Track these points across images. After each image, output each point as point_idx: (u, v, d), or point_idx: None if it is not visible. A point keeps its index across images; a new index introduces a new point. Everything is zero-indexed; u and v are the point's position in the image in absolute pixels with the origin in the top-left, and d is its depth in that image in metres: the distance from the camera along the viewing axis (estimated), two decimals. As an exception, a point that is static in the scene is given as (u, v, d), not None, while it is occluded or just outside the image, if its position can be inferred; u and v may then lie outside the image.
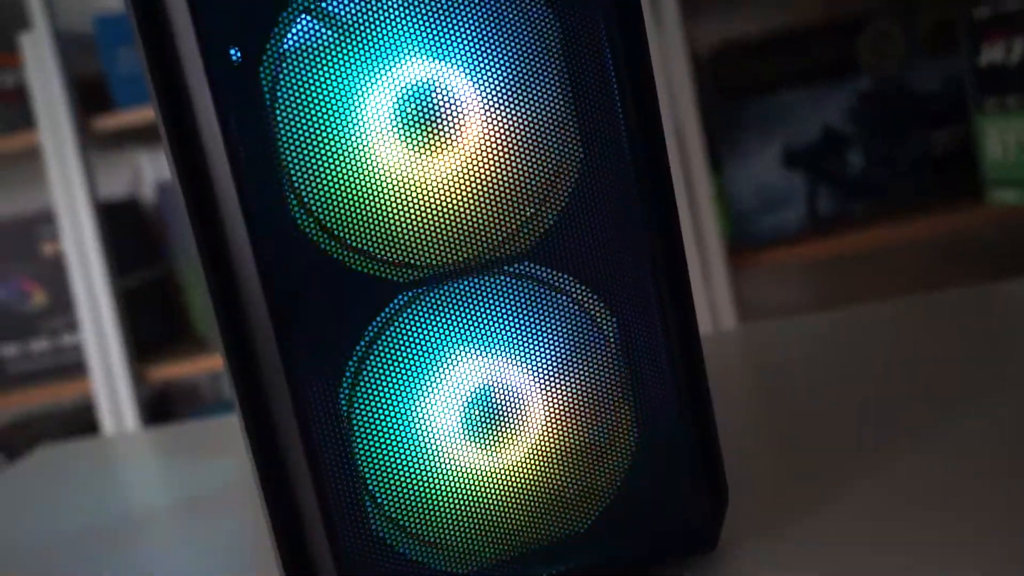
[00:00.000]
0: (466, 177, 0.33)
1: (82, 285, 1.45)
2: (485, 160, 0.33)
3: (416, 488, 0.33)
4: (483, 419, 0.34)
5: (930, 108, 1.36)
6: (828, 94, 1.35)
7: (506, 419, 0.34)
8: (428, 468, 0.33)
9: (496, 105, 0.33)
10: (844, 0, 1.51)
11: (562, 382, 0.34)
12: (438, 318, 0.33)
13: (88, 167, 1.43)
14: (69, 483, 0.72)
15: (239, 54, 0.31)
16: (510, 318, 0.34)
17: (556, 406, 0.34)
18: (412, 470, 0.33)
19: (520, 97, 0.33)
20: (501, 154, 0.33)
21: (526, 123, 0.33)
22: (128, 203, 1.62)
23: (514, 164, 0.33)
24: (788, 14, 1.51)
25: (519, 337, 0.34)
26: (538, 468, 0.35)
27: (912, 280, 1.53)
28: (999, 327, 0.61)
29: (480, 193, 0.33)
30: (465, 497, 0.34)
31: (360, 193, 0.32)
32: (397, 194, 0.32)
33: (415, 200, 0.32)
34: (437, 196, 0.32)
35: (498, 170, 0.33)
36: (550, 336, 0.34)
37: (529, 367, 0.34)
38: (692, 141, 1.32)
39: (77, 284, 1.45)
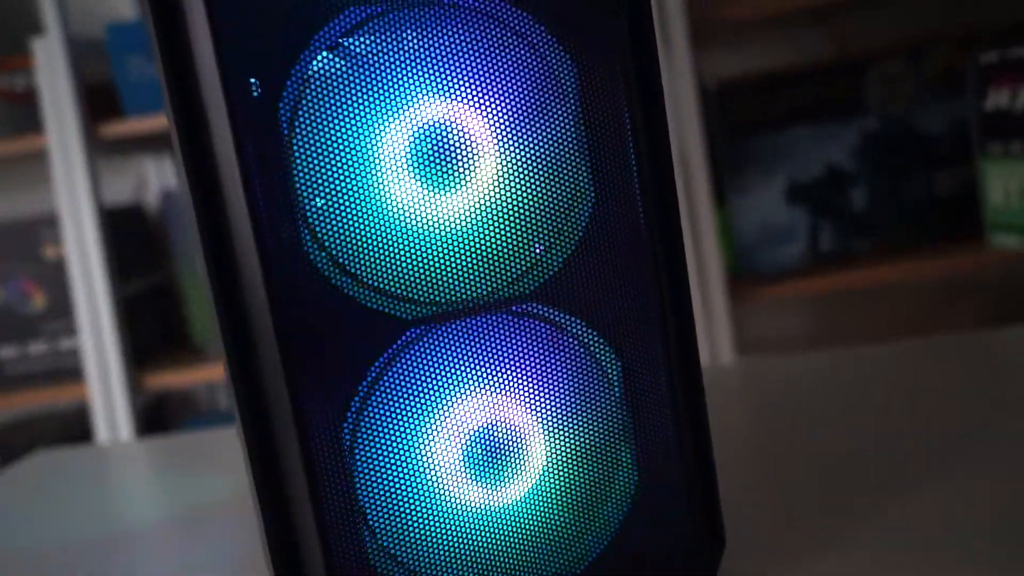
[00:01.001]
0: (478, 216, 0.33)
1: (82, 289, 1.45)
2: (497, 200, 0.33)
3: (414, 523, 0.33)
4: (484, 457, 0.34)
5: (934, 149, 1.37)
6: (834, 131, 1.35)
7: (507, 458, 0.34)
8: (427, 503, 0.33)
9: (510, 146, 0.33)
10: (852, 40, 1.52)
11: (564, 423, 0.35)
12: (444, 355, 0.33)
13: (93, 172, 1.44)
14: (62, 492, 0.72)
15: (259, 86, 0.31)
16: (516, 357, 0.34)
17: (558, 447, 0.35)
18: (411, 505, 0.33)
19: (534, 138, 0.34)
20: (513, 194, 0.33)
21: (539, 164, 0.34)
22: (132, 209, 1.62)
23: (526, 204, 0.34)
24: (797, 51, 1.52)
25: (524, 377, 0.34)
26: (537, 508, 0.35)
27: (911, 319, 1.54)
28: (998, 375, 0.61)
29: (491, 232, 0.33)
30: (463, 534, 0.34)
31: (373, 229, 0.32)
32: (409, 231, 0.32)
33: (427, 237, 0.32)
34: (449, 234, 0.33)
35: (510, 210, 0.33)
36: (555, 377, 0.34)
37: (532, 407, 0.34)
38: (697, 173, 1.33)
39: (78, 288, 1.45)
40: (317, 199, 0.31)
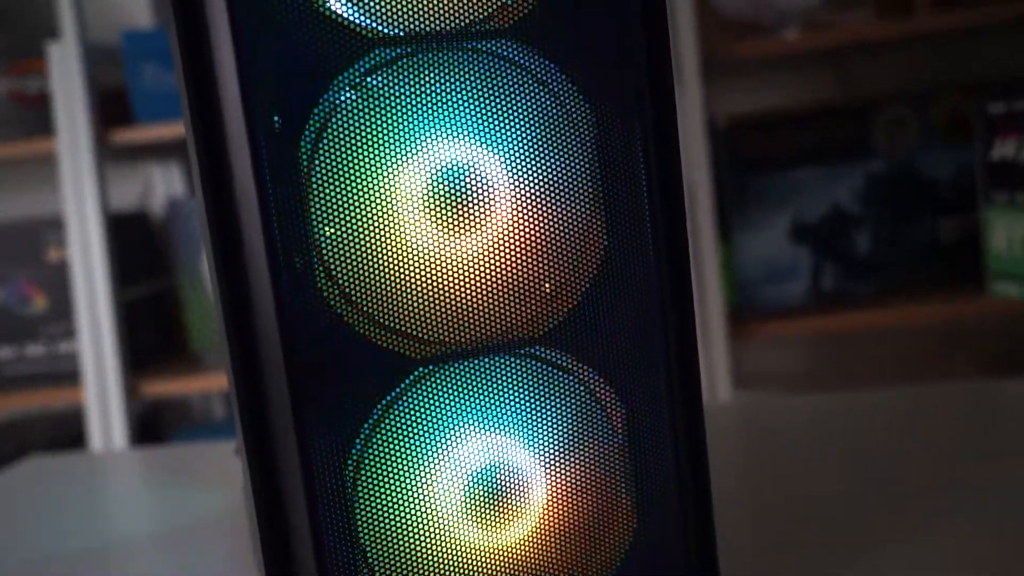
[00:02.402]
0: (491, 258, 0.33)
1: (83, 293, 1.45)
2: (511, 243, 0.34)
3: (413, 560, 0.33)
4: (485, 497, 0.34)
5: (939, 195, 1.37)
6: (840, 173, 1.36)
7: (508, 499, 0.34)
8: (427, 542, 0.33)
9: (526, 190, 0.34)
10: (861, 84, 1.53)
11: (567, 466, 0.35)
12: (450, 394, 0.33)
13: (101, 177, 1.44)
14: (53, 500, 0.71)
15: (282, 122, 0.31)
16: (522, 399, 0.34)
17: (559, 490, 0.35)
18: (411, 542, 0.33)
19: (550, 183, 0.34)
20: (527, 238, 0.34)
21: (554, 209, 0.34)
22: (137, 215, 1.63)
23: (539, 248, 0.34)
24: (807, 93, 1.53)
25: (529, 419, 0.34)
26: (536, 549, 0.35)
27: (909, 363, 1.54)
28: (996, 426, 0.61)
29: (504, 275, 0.33)
30: (462, 573, 0.34)
31: (386, 267, 0.32)
32: (423, 271, 0.33)
33: (440, 278, 0.33)
34: (462, 275, 0.33)
35: (523, 254, 0.34)
36: (559, 420, 0.35)
37: (536, 449, 0.35)
38: (703, 207, 1.33)
39: (79, 292, 1.45)
40: (332, 235, 0.32)
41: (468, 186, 0.33)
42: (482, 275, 0.33)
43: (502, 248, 0.33)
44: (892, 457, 0.57)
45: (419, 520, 0.33)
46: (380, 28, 0.32)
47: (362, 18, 0.32)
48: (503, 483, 0.34)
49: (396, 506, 0.33)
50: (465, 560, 0.34)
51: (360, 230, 0.32)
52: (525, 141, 0.34)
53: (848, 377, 1.55)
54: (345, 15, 0.32)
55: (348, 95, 0.32)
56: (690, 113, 1.32)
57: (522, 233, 0.34)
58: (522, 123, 0.33)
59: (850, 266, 1.38)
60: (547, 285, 0.34)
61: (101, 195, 1.44)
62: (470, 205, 0.33)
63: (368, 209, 0.32)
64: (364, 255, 0.32)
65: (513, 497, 0.34)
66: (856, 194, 1.37)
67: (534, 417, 0.34)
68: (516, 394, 0.34)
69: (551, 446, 0.35)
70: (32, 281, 1.53)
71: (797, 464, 0.59)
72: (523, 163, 0.34)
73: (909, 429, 0.63)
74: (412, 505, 0.33)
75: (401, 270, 0.32)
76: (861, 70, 1.53)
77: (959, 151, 1.36)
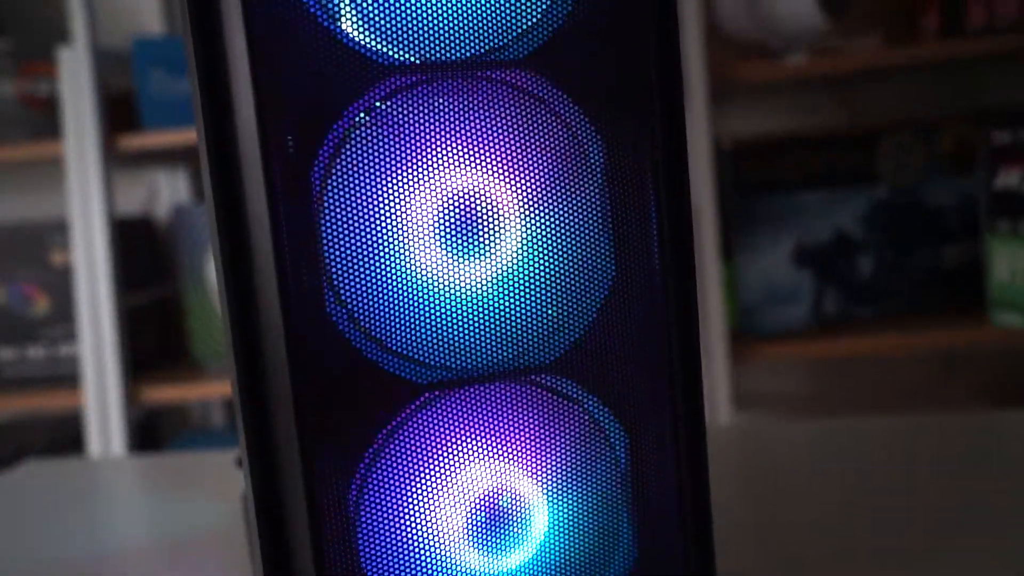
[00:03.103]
0: (500, 285, 0.34)
1: (86, 297, 1.45)
2: (519, 271, 0.34)
3: (414, 584, 0.33)
4: (488, 524, 0.34)
5: (943, 223, 1.38)
6: (844, 198, 1.36)
7: (510, 526, 0.34)
8: (428, 565, 0.34)
9: (535, 217, 0.34)
10: (867, 110, 1.53)
11: (569, 495, 0.35)
12: (455, 420, 0.34)
13: (107, 182, 1.44)
14: (49, 506, 0.71)
15: (295, 144, 0.32)
16: (525, 426, 0.34)
17: (560, 517, 0.35)
18: (412, 566, 0.33)
19: (559, 212, 0.34)
20: (535, 266, 0.34)
21: (563, 238, 0.34)
22: (141, 220, 1.63)
23: (547, 277, 0.34)
24: (813, 117, 1.53)
25: (531, 447, 0.34)
26: (536, 577, 0.35)
27: (909, 389, 1.54)
28: (997, 456, 0.61)
29: (512, 302, 0.34)
30: (462, 599, 0.34)
31: (395, 292, 0.32)
32: (432, 297, 0.33)
33: (449, 304, 0.33)
34: (470, 302, 0.33)
35: (532, 282, 0.34)
36: (562, 449, 0.35)
37: (538, 477, 0.35)
38: (707, 228, 1.34)
39: (81, 295, 1.45)
40: (342, 260, 0.32)
41: (479, 213, 0.33)
42: (490, 302, 0.33)
43: (511, 276, 0.34)
44: (892, 483, 0.57)
45: (421, 544, 0.33)
46: (397, 55, 0.32)
47: (379, 44, 0.32)
48: (505, 510, 0.34)
49: (398, 530, 0.33)
50: (466, 586, 0.34)
51: (371, 256, 0.32)
52: (536, 170, 0.34)
53: (848, 401, 1.55)
54: (362, 41, 0.32)
55: (363, 119, 0.32)
56: (696, 134, 1.33)
57: (531, 261, 0.34)
58: (534, 152, 0.34)
59: (852, 291, 1.39)
60: (555, 320, 0.34)
61: (106, 199, 1.44)
62: (480, 232, 0.33)
63: (379, 235, 0.32)
64: (374, 281, 0.32)
65: (515, 524, 0.34)
66: (860, 219, 1.37)
67: (537, 445, 0.34)
68: (520, 421, 0.34)
69: (554, 474, 0.35)
70: (35, 283, 1.53)
71: (798, 489, 0.59)
72: (534, 192, 0.34)
73: (909, 457, 0.63)
74: (414, 529, 0.33)
75: (410, 295, 0.33)
76: (867, 96, 1.54)
77: (963, 179, 1.36)
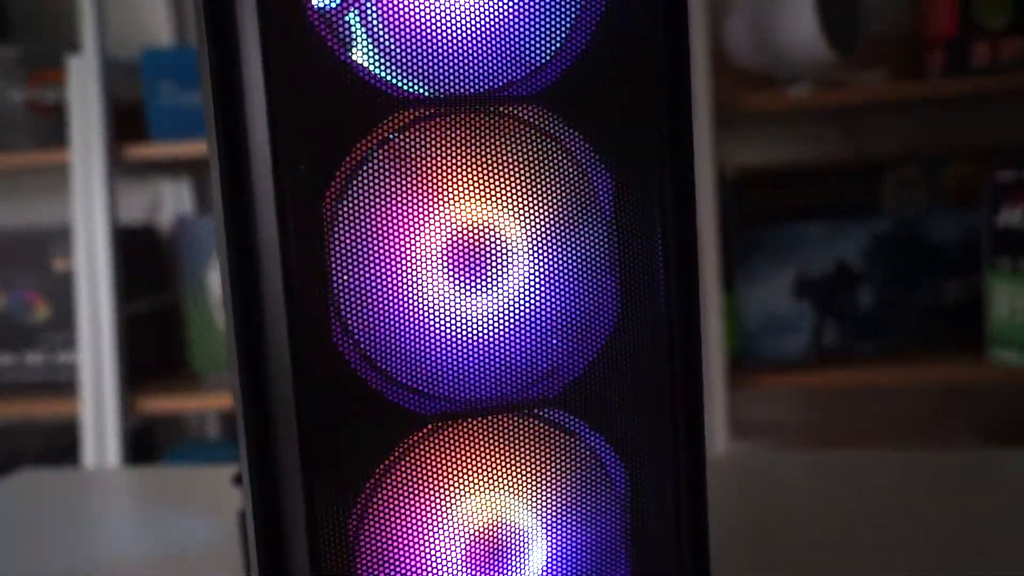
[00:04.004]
0: (505, 319, 0.34)
1: (86, 305, 1.45)
2: (525, 304, 0.34)
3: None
4: (486, 554, 0.34)
5: (944, 258, 1.38)
6: (846, 231, 1.37)
7: (508, 559, 0.34)
8: (426, 597, 0.34)
9: (542, 253, 0.34)
10: (872, 143, 1.54)
11: (568, 529, 0.35)
12: (456, 451, 0.34)
13: (112, 191, 1.45)
14: (42, 516, 0.71)
15: (308, 172, 0.32)
16: (525, 459, 0.34)
17: (559, 551, 0.35)
18: (410, 597, 0.33)
19: (567, 248, 0.34)
20: (541, 300, 0.34)
21: (569, 273, 0.34)
22: (144, 230, 1.63)
23: (553, 312, 0.34)
24: (817, 149, 1.54)
25: (532, 480, 0.35)
26: (533, 611, 0.35)
27: (906, 422, 1.54)
28: (992, 496, 0.61)
29: (517, 336, 0.34)
30: (458, 631, 0.34)
31: (403, 325, 0.33)
32: (438, 329, 0.33)
33: (454, 337, 0.33)
34: (475, 335, 0.33)
35: (537, 316, 0.34)
36: (562, 482, 0.35)
37: (538, 511, 0.35)
38: (708, 257, 1.34)
39: (82, 303, 1.45)
40: (350, 289, 0.32)
41: (487, 247, 0.33)
42: (495, 336, 0.34)
43: (516, 310, 0.34)
44: (888, 519, 0.57)
45: (420, 573, 0.33)
46: (410, 88, 0.33)
47: (393, 77, 0.32)
48: (504, 542, 0.34)
49: (398, 558, 0.33)
50: (462, 618, 0.34)
51: (378, 287, 0.32)
52: (545, 205, 0.34)
53: (844, 433, 1.55)
54: (377, 73, 0.32)
55: (375, 151, 0.32)
56: (700, 163, 1.33)
57: (537, 296, 0.34)
58: (543, 188, 0.34)
59: (852, 323, 1.39)
60: (559, 354, 0.34)
61: (110, 209, 1.44)
62: (488, 266, 0.34)
63: (387, 265, 0.32)
64: (381, 312, 0.32)
65: (514, 555, 0.35)
66: (861, 252, 1.37)
67: (537, 478, 0.35)
68: (520, 454, 0.34)
69: (554, 508, 0.35)
70: (36, 289, 1.53)
71: (794, 521, 0.59)
72: (542, 227, 0.34)
73: (905, 493, 0.63)
74: (413, 558, 0.33)
75: (417, 327, 0.33)
76: (872, 130, 1.54)
77: (966, 216, 1.37)
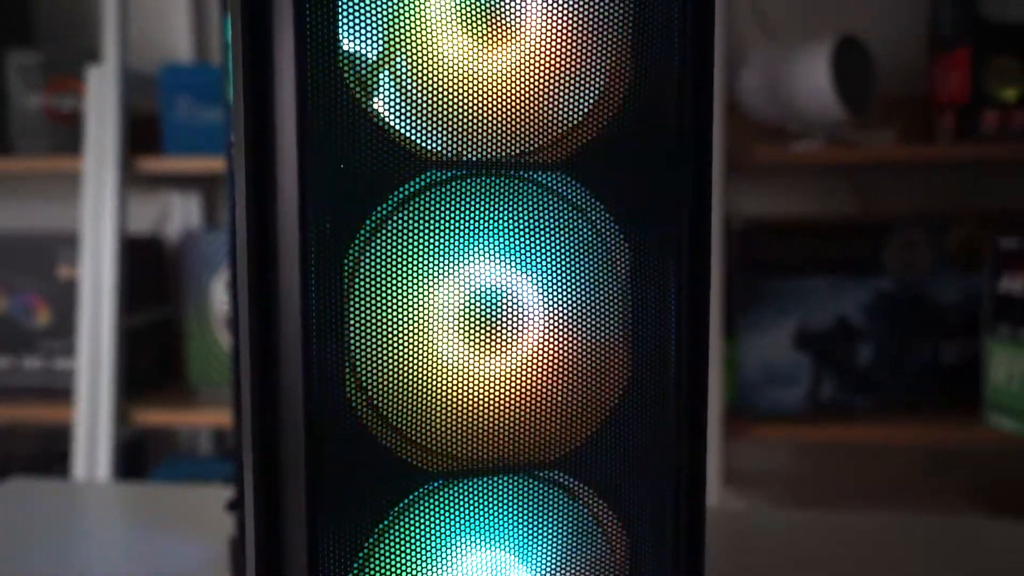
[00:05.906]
0: (516, 381, 0.34)
1: (88, 313, 1.45)
2: (537, 368, 0.34)
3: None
4: (483, 613, 0.35)
5: (945, 319, 1.39)
6: (849, 287, 1.38)
7: (506, 619, 0.35)
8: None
9: (558, 318, 0.35)
10: (879, 202, 1.55)
11: (566, 592, 0.35)
12: (459, 509, 0.34)
13: (122, 202, 1.46)
14: (31, 528, 0.71)
15: (332, 229, 0.32)
16: (527, 519, 0.35)
17: (555, 614, 0.35)
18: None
19: (582, 314, 0.35)
20: (554, 365, 0.35)
21: (583, 339, 0.35)
22: (150, 241, 1.64)
23: (564, 375, 0.35)
24: (824, 204, 1.55)
25: (533, 540, 0.35)
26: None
27: (899, 481, 1.54)
28: (981, 564, 0.62)
29: (527, 399, 0.34)
30: None
31: (416, 383, 0.33)
32: (451, 388, 0.33)
33: (465, 396, 0.34)
34: (486, 395, 0.34)
35: (548, 379, 0.35)
36: (563, 544, 0.35)
37: (536, 569, 0.35)
38: (711, 304, 1.34)
39: (83, 310, 1.45)
40: (366, 345, 0.32)
41: (502, 310, 0.34)
42: (506, 397, 0.34)
43: (528, 372, 0.34)
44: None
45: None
46: (437, 150, 0.33)
47: (421, 139, 0.33)
48: (502, 602, 0.35)
49: (395, 614, 0.33)
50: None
51: (393, 343, 0.33)
52: (563, 272, 0.35)
53: (836, 487, 1.55)
54: (406, 135, 0.33)
55: (398, 210, 0.33)
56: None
57: (549, 359, 0.35)
58: (562, 254, 0.35)
59: (850, 379, 1.39)
60: (567, 418, 0.35)
61: (119, 219, 1.45)
62: (502, 328, 0.34)
63: (403, 323, 0.33)
64: (394, 368, 0.33)
65: (510, 617, 0.35)
66: (863, 309, 1.38)
67: (538, 539, 0.35)
68: (522, 515, 0.35)
69: (552, 567, 0.35)
70: (39, 294, 1.54)
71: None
72: (558, 292, 0.35)
73: (895, 558, 0.63)
74: (411, 614, 0.34)
75: (429, 386, 0.33)
76: (880, 189, 1.55)
77: (968, 280, 1.38)
